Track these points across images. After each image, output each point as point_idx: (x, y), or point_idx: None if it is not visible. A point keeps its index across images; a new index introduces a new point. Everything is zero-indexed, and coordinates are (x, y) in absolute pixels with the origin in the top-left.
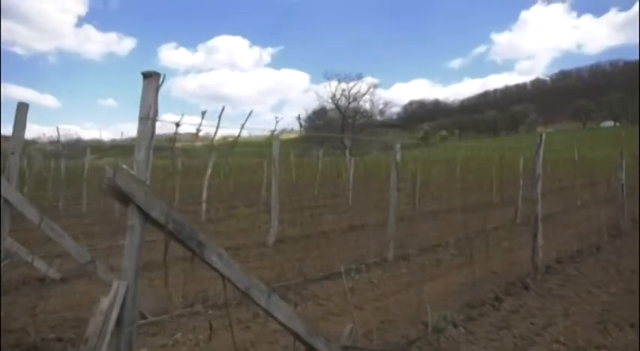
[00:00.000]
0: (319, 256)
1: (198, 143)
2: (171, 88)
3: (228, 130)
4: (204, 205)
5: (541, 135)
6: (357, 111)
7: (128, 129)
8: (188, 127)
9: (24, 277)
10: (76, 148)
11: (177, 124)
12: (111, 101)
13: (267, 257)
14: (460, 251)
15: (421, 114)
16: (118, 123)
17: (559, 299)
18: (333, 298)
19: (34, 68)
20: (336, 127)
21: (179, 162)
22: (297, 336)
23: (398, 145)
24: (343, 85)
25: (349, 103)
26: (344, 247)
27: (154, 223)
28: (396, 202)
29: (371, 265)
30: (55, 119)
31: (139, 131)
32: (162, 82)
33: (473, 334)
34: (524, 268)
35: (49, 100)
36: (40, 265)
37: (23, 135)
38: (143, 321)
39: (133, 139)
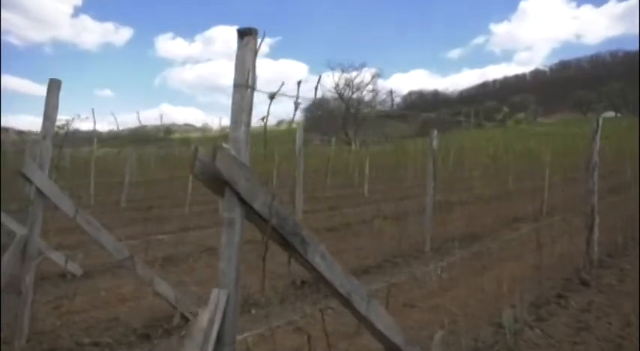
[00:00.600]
0: (349, 249)
1: (196, 134)
2: (168, 78)
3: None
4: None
5: (597, 120)
6: (361, 101)
7: (126, 120)
8: (187, 117)
9: (42, 273)
10: (74, 139)
11: (272, 97)
12: (107, 92)
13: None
14: (500, 244)
15: (420, 104)
16: (114, 113)
17: (624, 296)
18: (378, 296)
19: (30, 58)
20: (328, 118)
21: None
22: (394, 347)
23: (435, 132)
24: (346, 75)
25: (353, 92)
26: (373, 239)
27: (253, 216)
28: (432, 192)
29: (409, 259)
30: None
31: (235, 102)
32: (262, 41)
33: (552, 337)
34: (573, 261)
35: (44, 91)
36: (59, 260)
37: (56, 116)
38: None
39: (130, 130)
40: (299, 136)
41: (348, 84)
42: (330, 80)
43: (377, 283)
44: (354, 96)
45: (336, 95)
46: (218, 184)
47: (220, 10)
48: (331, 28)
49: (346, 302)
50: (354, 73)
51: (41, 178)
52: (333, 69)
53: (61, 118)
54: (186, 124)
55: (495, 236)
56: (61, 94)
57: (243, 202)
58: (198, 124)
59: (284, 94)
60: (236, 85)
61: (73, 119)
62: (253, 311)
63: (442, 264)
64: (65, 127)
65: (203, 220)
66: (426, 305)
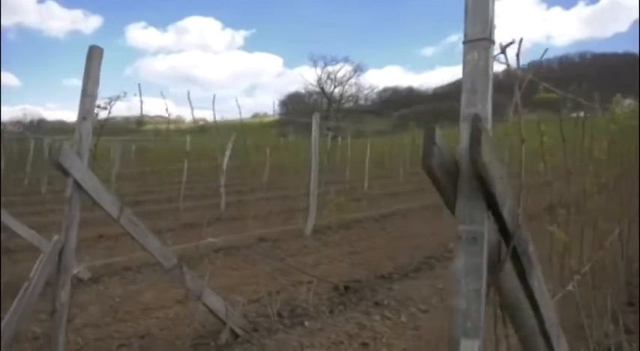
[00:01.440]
0: (370, 247)
1: (171, 126)
2: (140, 69)
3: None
4: (223, 192)
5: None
6: (343, 95)
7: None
8: (157, 109)
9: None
10: (40, 129)
11: None
12: (75, 81)
13: (313, 250)
14: None
15: (394, 101)
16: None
17: None
18: (431, 301)
19: None
20: (308, 113)
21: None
22: None
23: None
24: (329, 68)
25: (335, 86)
26: (392, 236)
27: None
28: None
29: (442, 259)
30: (16, 99)
31: (470, 61)
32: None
33: None
34: None
35: (9, 79)
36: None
37: (97, 91)
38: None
39: (99, 121)
40: (314, 129)
41: (330, 77)
42: (307, 74)
43: (422, 285)
44: (336, 90)
45: (312, 90)
46: (452, 181)
47: (194, 0)
48: (308, 22)
49: (547, 341)
50: (337, 67)
51: (81, 170)
52: (315, 62)
53: (27, 107)
54: (157, 116)
55: None
56: (27, 82)
57: (492, 208)
58: (171, 116)
59: None
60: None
61: (118, 97)
62: (306, 323)
63: None
64: (109, 107)
65: (199, 217)
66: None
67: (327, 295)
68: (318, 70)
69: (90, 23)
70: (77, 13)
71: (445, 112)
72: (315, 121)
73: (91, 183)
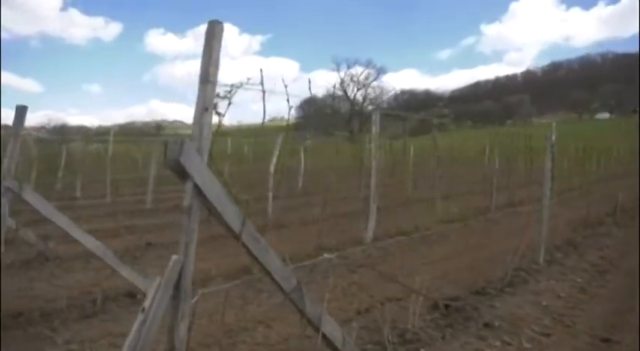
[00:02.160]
0: (444, 257)
1: (187, 131)
2: (158, 74)
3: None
4: (270, 197)
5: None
6: (366, 98)
7: (116, 116)
8: (176, 114)
9: (104, 291)
10: (62, 133)
11: None
12: (96, 87)
13: (379, 261)
14: None
15: (412, 104)
16: (103, 109)
17: None
18: (544, 322)
19: (16, 52)
20: (326, 116)
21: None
22: None
23: (553, 124)
24: (352, 72)
25: (358, 89)
26: (461, 244)
27: None
28: (549, 193)
29: (531, 271)
30: (38, 105)
31: None
32: None
33: None
34: None
35: (30, 85)
36: (134, 278)
37: (217, 75)
38: None
39: (119, 126)
40: (375, 126)
41: (353, 80)
42: (324, 78)
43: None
44: (359, 93)
45: (328, 94)
46: None
47: (212, 6)
48: (321, 26)
49: None
50: (359, 70)
51: (203, 172)
52: (337, 65)
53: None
54: (175, 121)
55: None
56: (48, 88)
57: None
58: (189, 121)
59: None
60: None
61: (241, 84)
62: None
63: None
64: (229, 96)
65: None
66: None
67: (430, 315)
68: (342, 73)
69: (110, 30)
70: (98, 21)
71: (463, 114)
72: (375, 118)
73: (214, 189)
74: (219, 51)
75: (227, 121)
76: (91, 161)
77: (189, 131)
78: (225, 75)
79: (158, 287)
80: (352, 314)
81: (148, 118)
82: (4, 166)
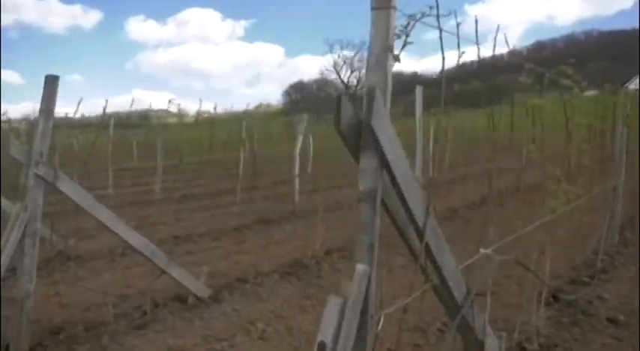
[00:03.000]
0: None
1: (172, 119)
2: (141, 62)
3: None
4: (297, 182)
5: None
6: (360, 80)
7: (96, 105)
8: (160, 103)
9: (153, 296)
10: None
11: None
12: (77, 76)
13: None
14: None
15: (398, 86)
16: (86, 99)
17: None
18: None
19: None
20: (316, 100)
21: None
22: None
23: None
24: (346, 54)
25: (352, 71)
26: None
27: None
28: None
29: (614, 253)
30: (19, 96)
31: None
32: None
33: None
34: None
35: (11, 77)
36: (186, 279)
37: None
38: None
39: (99, 117)
40: (419, 101)
41: (346, 62)
42: (308, 63)
43: None
44: (353, 76)
45: (322, 77)
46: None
47: None
48: (305, 11)
49: None
50: (353, 52)
51: (392, 140)
52: (331, 46)
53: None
54: (160, 110)
55: None
56: (29, 79)
57: None
58: (174, 110)
59: None
60: None
61: (423, 15)
62: None
63: None
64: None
65: (270, 211)
66: None
67: (547, 312)
68: (335, 55)
69: (89, 18)
70: (76, 9)
71: (452, 95)
72: (418, 94)
73: (402, 164)
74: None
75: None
76: (85, 152)
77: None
78: (208, 63)
79: (341, 311)
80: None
81: (131, 108)
82: (35, 148)
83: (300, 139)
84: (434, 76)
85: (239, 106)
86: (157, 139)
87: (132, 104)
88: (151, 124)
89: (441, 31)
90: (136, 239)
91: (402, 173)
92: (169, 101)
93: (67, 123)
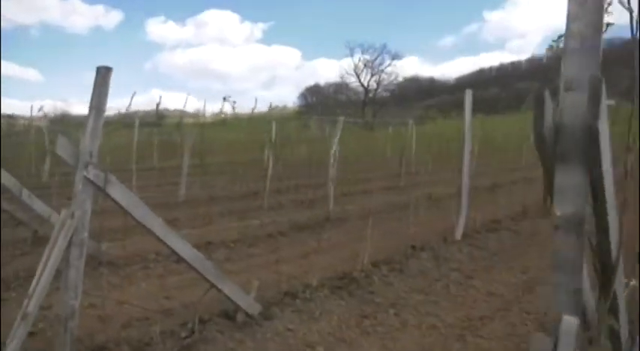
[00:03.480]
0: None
1: (189, 120)
2: (159, 63)
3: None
4: (331, 187)
5: None
6: (380, 83)
7: (117, 104)
8: (175, 103)
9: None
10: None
11: None
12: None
13: (486, 261)
14: None
15: (415, 92)
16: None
17: None
18: None
19: (16, 41)
20: (328, 104)
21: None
22: None
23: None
24: (366, 57)
25: (372, 75)
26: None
27: None
28: None
29: None
30: (38, 94)
31: None
32: None
33: None
34: None
35: (31, 74)
36: (236, 295)
37: None
38: None
39: (123, 115)
40: (468, 102)
41: (367, 65)
42: (325, 66)
43: None
44: (373, 80)
45: (342, 80)
46: None
47: None
48: (323, 14)
49: None
50: (361, 57)
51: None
52: (351, 49)
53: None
54: (176, 110)
55: None
56: (49, 77)
57: None
58: (191, 110)
59: None
60: None
61: None
62: None
63: None
64: None
65: (301, 218)
66: None
67: None
68: (355, 59)
69: (111, 18)
70: (99, 9)
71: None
72: (467, 98)
73: (609, 184)
74: None
75: (228, 110)
76: (105, 151)
77: (190, 120)
78: (226, 64)
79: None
80: None
81: (148, 107)
82: (84, 148)
83: (336, 141)
84: (451, 82)
85: (256, 107)
86: (184, 139)
87: (159, 103)
88: (175, 124)
89: (631, 12)
90: (186, 251)
91: (609, 194)
92: (224, 98)
93: (82, 122)
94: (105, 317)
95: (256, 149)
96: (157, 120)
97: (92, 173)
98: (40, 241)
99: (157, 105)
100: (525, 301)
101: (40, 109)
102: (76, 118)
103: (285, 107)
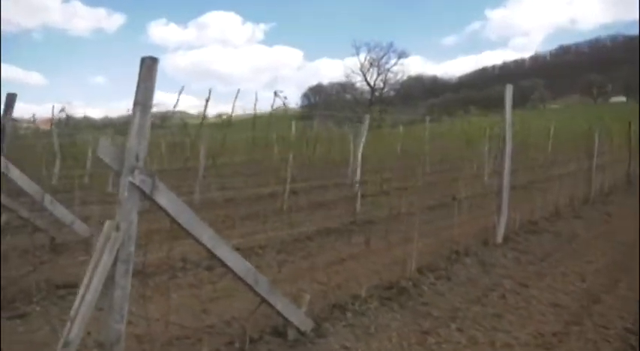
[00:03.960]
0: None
1: (192, 121)
2: (162, 65)
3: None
4: (359, 190)
5: None
6: (386, 82)
7: (119, 107)
8: (180, 105)
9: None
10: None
11: None
12: (100, 78)
13: (536, 267)
14: None
15: (419, 90)
16: (108, 101)
17: None
18: None
19: (19, 45)
20: (331, 104)
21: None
22: None
23: None
24: (371, 56)
25: (378, 74)
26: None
27: None
28: None
29: None
30: (42, 97)
31: None
32: None
33: None
34: None
35: (34, 78)
36: (289, 310)
37: None
38: None
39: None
40: (509, 98)
41: (373, 64)
42: (328, 66)
43: None
44: (379, 78)
45: (348, 80)
46: None
47: None
48: (325, 14)
49: None
50: (363, 57)
51: None
52: (357, 48)
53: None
54: (180, 112)
55: None
56: (52, 80)
57: None
58: (194, 112)
59: None
60: None
61: None
62: None
63: None
64: None
65: (325, 220)
66: None
67: None
68: (361, 57)
69: (113, 21)
70: (100, 12)
71: (474, 99)
72: (508, 93)
73: None
74: None
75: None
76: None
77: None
78: (228, 65)
79: None
80: None
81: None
82: (130, 150)
83: (363, 142)
84: (453, 80)
85: (259, 108)
86: (198, 140)
87: (176, 104)
88: (182, 125)
89: None
90: (238, 264)
91: None
92: (275, 93)
93: (91, 124)
94: (141, 336)
95: (270, 149)
96: (161, 122)
97: (139, 178)
98: (58, 248)
99: (174, 106)
100: (596, 314)
101: (62, 109)
102: (78, 120)
103: (286, 107)
